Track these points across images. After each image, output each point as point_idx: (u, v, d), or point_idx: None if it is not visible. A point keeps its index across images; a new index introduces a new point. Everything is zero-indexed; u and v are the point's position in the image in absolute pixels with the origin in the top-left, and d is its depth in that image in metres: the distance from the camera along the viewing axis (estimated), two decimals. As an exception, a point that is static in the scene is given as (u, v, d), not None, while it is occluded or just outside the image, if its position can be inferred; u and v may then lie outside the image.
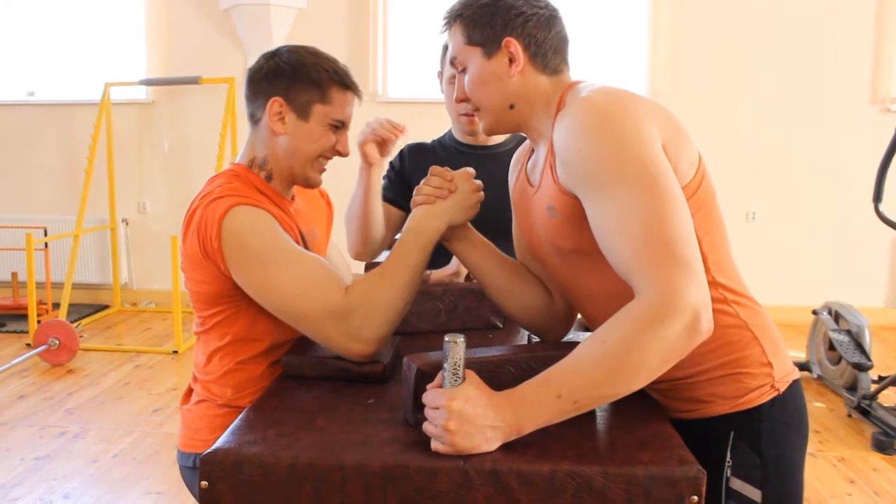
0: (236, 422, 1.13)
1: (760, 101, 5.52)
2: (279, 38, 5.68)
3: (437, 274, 1.90)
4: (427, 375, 1.08)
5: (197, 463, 1.13)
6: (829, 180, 5.51)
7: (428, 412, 1.02)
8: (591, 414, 1.17)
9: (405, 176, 2.22)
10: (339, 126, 1.52)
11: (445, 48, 2.09)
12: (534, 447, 1.02)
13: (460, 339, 1.03)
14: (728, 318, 1.22)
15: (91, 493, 2.93)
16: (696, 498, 0.96)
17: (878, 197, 3.64)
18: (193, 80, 5.45)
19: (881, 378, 3.77)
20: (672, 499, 0.96)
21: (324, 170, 1.56)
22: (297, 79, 1.47)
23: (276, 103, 1.47)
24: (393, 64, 5.80)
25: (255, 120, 1.53)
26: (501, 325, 1.78)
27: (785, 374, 1.27)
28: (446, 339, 1.03)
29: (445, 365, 1.03)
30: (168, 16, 5.86)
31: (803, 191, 5.52)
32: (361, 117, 1.82)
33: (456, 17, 1.30)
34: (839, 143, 5.50)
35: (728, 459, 1.24)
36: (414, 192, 1.42)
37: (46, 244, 5.38)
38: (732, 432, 1.24)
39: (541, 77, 1.26)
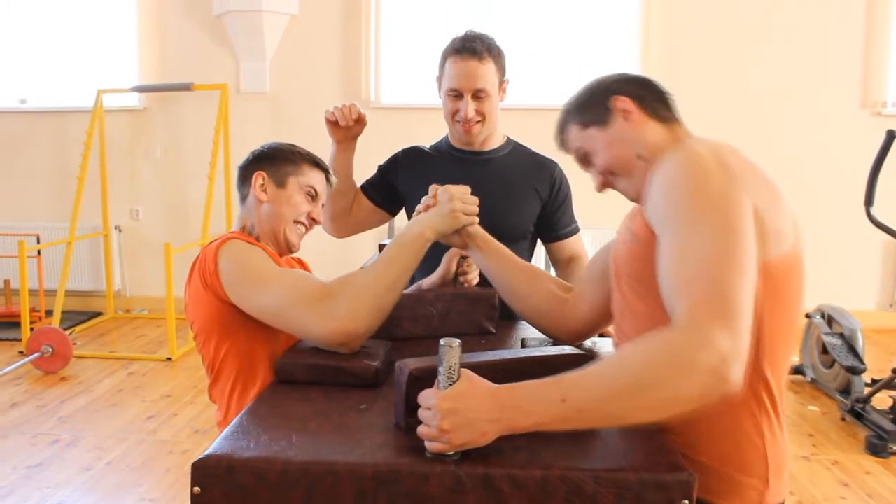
0: (229, 427, 1.13)
1: (752, 106, 5.54)
2: (271, 44, 5.69)
3: (426, 282, 1.92)
4: (419, 380, 1.08)
5: None
6: (821, 184, 5.53)
7: (421, 413, 1.03)
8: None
9: (389, 177, 2.27)
10: (313, 195, 1.74)
11: (444, 57, 2.10)
12: (525, 451, 1.03)
13: (456, 343, 1.03)
14: (749, 419, 1.19)
15: (85, 501, 2.92)
16: (686, 503, 0.96)
17: (869, 201, 3.65)
18: (186, 87, 5.46)
19: (874, 381, 3.78)
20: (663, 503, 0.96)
21: (302, 235, 1.76)
22: (276, 158, 1.74)
23: (259, 176, 1.72)
24: (385, 69, 5.80)
25: (243, 197, 1.77)
26: (494, 330, 1.78)
27: (777, 499, 1.23)
28: (442, 343, 1.03)
29: (440, 369, 1.03)
30: (160, 22, 5.86)
31: (795, 194, 5.49)
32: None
33: (566, 117, 1.41)
34: (830, 147, 5.53)
35: None
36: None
37: (39, 251, 5.38)
38: None
39: (656, 125, 1.33)
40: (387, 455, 1.03)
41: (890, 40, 5.47)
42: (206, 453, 1.04)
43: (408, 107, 5.59)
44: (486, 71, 2.05)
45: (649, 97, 1.34)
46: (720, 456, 1.19)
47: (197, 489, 1.02)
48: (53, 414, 3.85)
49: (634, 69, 5.56)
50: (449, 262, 1.87)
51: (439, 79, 2.15)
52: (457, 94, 2.07)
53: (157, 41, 5.89)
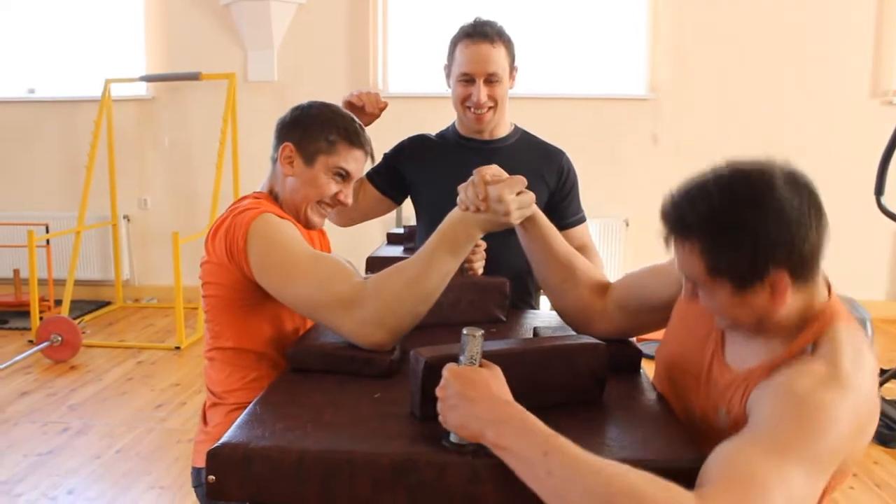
0: (243, 416, 1.13)
1: (761, 96, 5.51)
2: (279, 33, 5.68)
3: None
4: (435, 369, 1.07)
5: None
6: (831, 174, 5.47)
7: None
8: (597, 408, 1.17)
9: (395, 165, 2.25)
10: (343, 175, 1.65)
11: (454, 43, 2.08)
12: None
13: (479, 332, 1.03)
14: None
15: (95, 489, 2.94)
16: (703, 490, 0.96)
17: (879, 190, 3.64)
18: (194, 76, 5.46)
19: (883, 371, 3.77)
20: (680, 491, 0.95)
21: (325, 215, 1.70)
22: (309, 130, 1.63)
23: (287, 148, 1.63)
24: (393, 58, 5.79)
25: (273, 160, 1.68)
26: (504, 319, 1.78)
27: None
28: (465, 331, 1.03)
29: (461, 358, 1.03)
30: (168, 11, 5.85)
31: (804, 184, 5.51)
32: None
33: (686, 231, 1.09)
34: (840, 137, 5.50)
35: None
36: (458, 190, 1.41)
37: (48, 241, 5.39)
38: None
39: (796, 295, 1.09)
40: (403, 445, 1.03)
41: (901, 29, 5.43)
42: (220, 442, 1.03)
43: (416, 95, 5.57)
44: (498, 55, 2.03)
45: (812, 255, 1.08)
46: None
47: (212, 478, 1.02)
48: (63, 402, 3.86)
49: (642, 58, 5.54)
50: None
51: (448, 66, 2.13)
52: (468, 79, 2.05)
53: (164, 30, 5.88)
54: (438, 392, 1.02)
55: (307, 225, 1.67)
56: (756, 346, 1.15)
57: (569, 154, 2.23)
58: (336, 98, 2.08)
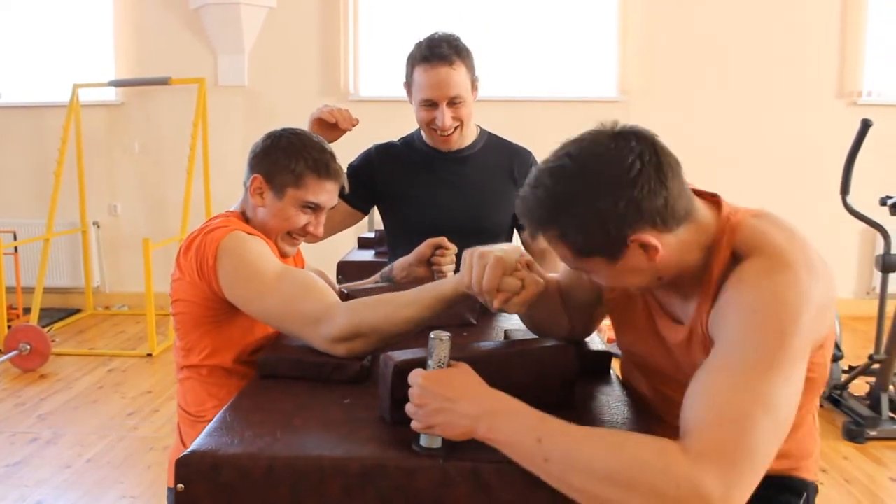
0: (212, 423, 1.12)
1: (730, 98, 5.57)
2: (249, 37, 5.65)
3: (400, 262, 1.89)
4: (404, 373, 1.08)
5: None
6: (798, 174, 5.57)
7: (409, 391, 1.03)
8: (568, 410, 1.18)
9: (363, 176, 2.18)
10: (313, 207, 1.64)
11: (411, 65, 2.06)
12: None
13: (445, 335, 1.03)
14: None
15: (65, 499, 2.90)
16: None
17: (845, 190, 3.68)
18: (163, 81, 5.41)
19: (851, 368, 3.82)
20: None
21: (297, 243, 1.70)
22: (279, 162, 1.60)
23: (256, 180, 1.62)
24: (364, 62, 5.78)
25: (245, 186, 1.66)
26: (475, 322, 1.78)
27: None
28: (431, 335, 1.04)
29: (430, 362, 1.04)
30: (137, 16, 5.80)
31: (772, 184, 5.58)
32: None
33: (539, 224, 1.09)
34: (807, 137, 5.57)
35: None
36: (464, 271, 1.26)
37: (16, 248, 5.32)
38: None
39: (678, 233, 1.07)
40: (373, 449, 1.03)
41: (865, 31, 5.51)
42: (189, 450, 1.03)
43: (387, 99, 5.56)
44: (458, 75, 1.99)
45: (669, 204, 1.04)
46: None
47: (181, 486, 1.01)
48: (32, 412, 3.81)
49: (612, 60, 5.57)
50: (427, 245, 1.85)
51: (408, 86, 2.10)
52: (431, 104, 2.02)
53: (133, 35, 5.82)
54: (416, 400, 1.01)
55: (279, 254, 1.64)
56: (688, 293, 1.15)
57: (539, 157, 2.23)
58: (307, 103, 2.06)
